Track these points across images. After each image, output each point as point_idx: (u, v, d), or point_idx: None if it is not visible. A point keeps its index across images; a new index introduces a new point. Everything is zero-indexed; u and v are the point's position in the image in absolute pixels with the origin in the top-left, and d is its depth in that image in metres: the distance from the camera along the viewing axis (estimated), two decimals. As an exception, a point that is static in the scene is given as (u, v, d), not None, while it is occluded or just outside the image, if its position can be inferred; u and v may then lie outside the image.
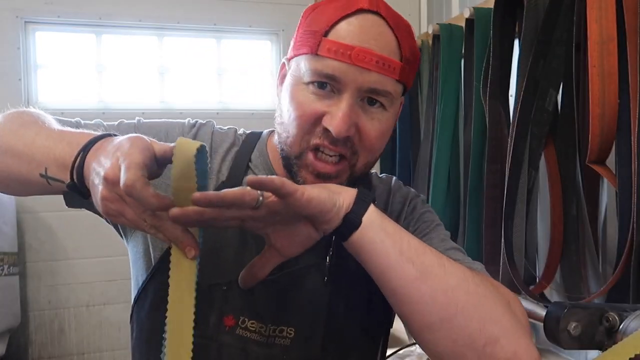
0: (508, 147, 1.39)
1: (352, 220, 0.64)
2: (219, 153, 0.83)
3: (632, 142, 1.09)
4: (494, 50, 1.50)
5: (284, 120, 0.76)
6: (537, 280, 1.44)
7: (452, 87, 1.89)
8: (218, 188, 0.79)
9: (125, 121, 0.85)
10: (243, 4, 2.44)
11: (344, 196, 0.64)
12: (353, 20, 0.70)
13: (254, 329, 0.75)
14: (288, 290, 0.77)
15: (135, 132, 0.80)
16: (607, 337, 0.64)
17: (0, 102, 2.40)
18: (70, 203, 0.69)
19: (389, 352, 1.07)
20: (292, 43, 0.78)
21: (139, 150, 0.57)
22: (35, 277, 2.26)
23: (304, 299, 0.77)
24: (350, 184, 0.74)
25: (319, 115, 0.71)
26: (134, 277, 0.84)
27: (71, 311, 2.30)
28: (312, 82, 0.71)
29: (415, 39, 0.81)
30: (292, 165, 0.75)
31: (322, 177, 0.73)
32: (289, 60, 0.78)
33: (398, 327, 1.06)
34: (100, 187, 0.57)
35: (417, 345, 1.31)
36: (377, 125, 0.72)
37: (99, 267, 2.30)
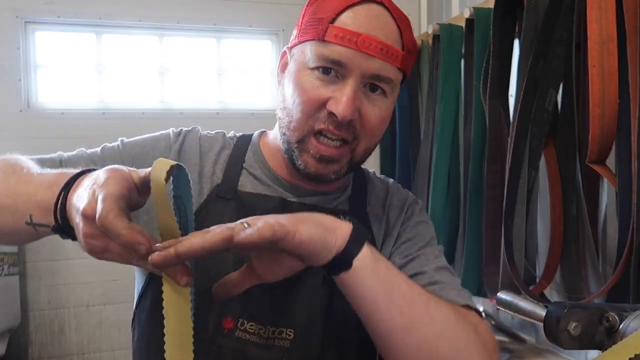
0: (508, 147, 1.39)
1: (343, 262, 0.62)
2: (210, 157, 0.84)
3: (632, 142, 1.09)
4: (494, 50, 1.50)
5: (287, 105, 0.76)
6: (537, 280, 1.44)
7: (452, 87, 1.89)
8: (213, 191, 0.80)
9: (108, 145, 0.85)
10: (243, 4, 2.44)
11: (338, 235, 0.62)
12: (359, 9, 0.72)
13: (253, 331, 0.75)
14: (287, 291, 0.77)
15: (120, 155, 0.82)
16: (607, 337, 0.64)
17: (0, 102, 2.39)
18: (64, 237, 0.67)
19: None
20: (294, 32, 0.79)
21: (115, 181, 0.55)
22: (35, 277, 2.26)
23: (303, 300, 0.77)
24: (349, 169, 0.76)
25: (324, 100, 0.72)
26: (137, 282, 0.85)
27: (71, 311, 2.30)
28: (318, 68, 0.73)
29: (415, 38, 0.82)
30: (292, 150, 0.76)
31: (324, 161, 0.74)
32: (290, 48, 0.79)
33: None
34: (80, 225, 0.55)
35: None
36: (378, 111, 0.74)
37: (99, 267, 2.29)
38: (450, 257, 1.96)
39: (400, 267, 0.79)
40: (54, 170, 0.68)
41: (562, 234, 1.37)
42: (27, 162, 0.74)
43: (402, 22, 0.74)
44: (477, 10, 1.70)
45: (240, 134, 0.89)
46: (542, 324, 0.70)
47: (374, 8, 0.73)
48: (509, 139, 1.39)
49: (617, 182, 1.16)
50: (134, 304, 0.84)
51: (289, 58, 0.80)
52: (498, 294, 1.12)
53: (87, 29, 2.32)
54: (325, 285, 0.78)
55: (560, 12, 1.29)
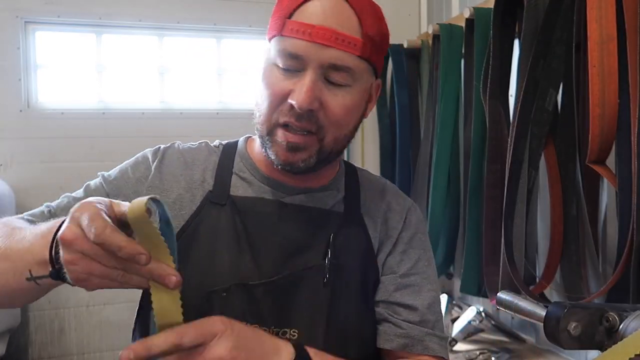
0: (508, 147, 1.39)
1: None
2: (197, 165, 0.85)
3: (632, 142, 1.09)
4: (493, 50, 1.50)
5: (258, 101, 0.79)
6: (537, 280, 1.44)
7: (452, 87, 1.89)
8: (206, 197, 0.81)
9: (91, 183, 0.85)
10: (243, 4, 2.44)
11: None
12: (315, 2, 0.74)
13: None
14: (289, 291, 0.78)
15: (105, 189, 0.82)
16: (607, 337, 0.64)
17: (0, 102, 2.39)
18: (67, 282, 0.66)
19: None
20: None
21: (92, 206, 0.56)
22: (35, 277, 2.26)
23: (306, 300, 0.78)
24: (320, 158, 0.77)
25: (286, 93, 0.74)
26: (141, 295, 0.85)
27: (71, 311, 2.29)
28: (280, 63, 0.75)
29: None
30: (265, 143, 0.78)
31: (291, 149, 0.75)
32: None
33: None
34: (61, 254, 0.55)
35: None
36: (340, 100, 0.75)
37: (99, 267, 2.29)
38: (450, 257, 1.96)
39: (395, 290, 0.84)
40: (45, 223, 0.68)
41: (562, 234, 1.37)
42: (18, 221, 0.74)
43: (362, 11, 0.74)
44: (477, 10, 1.70)
45: (226, 141, 0.91)
46: (542, 324, 0.70)
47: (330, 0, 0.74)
48: (509, 139, 1.39)
49: (617, 182, 1.16)
50: (136, 306, 0.85)
51: None
52: (498, 294, 1.11)
53: (87, 29, 2.31)
54: (326, 285, 0.78)
55: (560, 12, 1.29)
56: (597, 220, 1.36)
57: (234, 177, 0.84)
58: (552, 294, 1.49)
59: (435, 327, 0.85)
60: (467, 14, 1.73)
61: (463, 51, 1.84)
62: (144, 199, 0.54)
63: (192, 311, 0.75)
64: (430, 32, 2.00)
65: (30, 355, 2.25)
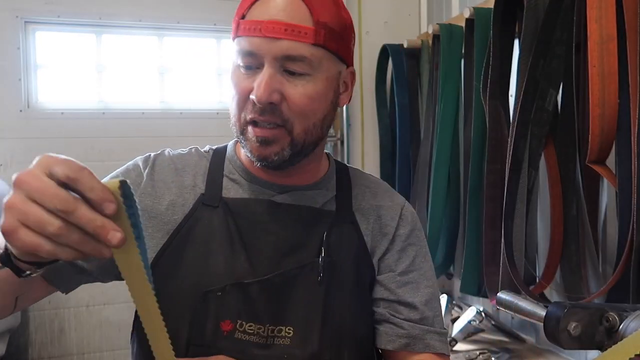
0: (508, 147, 1.39)
1: None
2: (188, 171, 0.85)
3: (632, 142, 1.09)
4: (494, 50, 1.50)
5: (230, 103, 0.80)
6: (537, 280, 1.44)
7: (452, 87, 1.89)
8: (199, 200, 0.82)
9: None
10: (243, 4, 2.44)
11: None
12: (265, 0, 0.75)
13: (252, 331, 0.76)
14: (284, 290, 0.78)
15: None
16: (607, 337, 0.64)
17: (0, 102, 2.39)
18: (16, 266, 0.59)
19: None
20: None
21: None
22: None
23: (301, 297, 0.79)
24: (294, 150, 0.77)
25: (249, 90, 0.75)
26: None
27: (71, 311, 2.29)
28: (241, 63, 0.76)
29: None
30: (241, 142, 0.79)
31: (262, 143, 0.76)
32: None
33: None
34: (6, 199, 0.49)
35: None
36: (301, 90, 0.75)
37: (99, 267, 2.29)
38: (450, 257, 1.96)
39: (396, 288, 0.85)
40: None
41: (562, 234, 1.37)
42: None
43: (312, 1, 0.75)
44: (477, 10, 1.70)
45: (215, 146, 0.92)
46: (542, 324, 0.70)
47: None
48: (509, 139, 1.39)
49: (617, 182, 1.16)
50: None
51: None
52: (498, 294, 1.12)
53: (87, 29, 2.31)
54: (321, 283, 0.79)
55: (560, 12, 1.29)
56: (597, 220, 1.36)
57: (224, 179, 0.85)
58: (552, 294, 1.49)
59: (434, 323, 0.86)
60: (467, 14, 1.73)
61: (463, 51, 1.84)
62: (117, 179, 0.51)
63: (188, 311, 0.76)
64: (430, 32, 2.00)
65: (30, 355, 2.25)
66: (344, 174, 0.91)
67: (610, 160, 1.19)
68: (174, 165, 0.85)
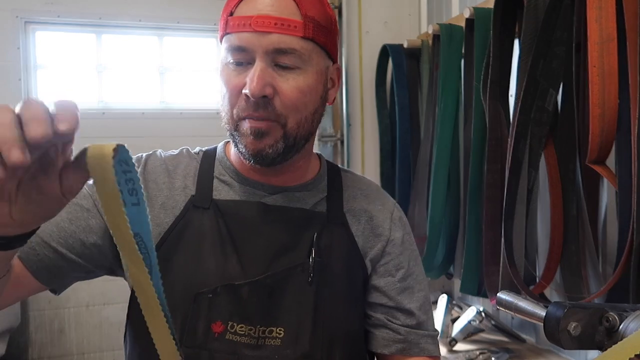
0: (508, 147, 1.39)
1: None
2: (178, 172, 0.85)
3: (632, 142, 1.09)
4: (494, 50, 1.50)
5: (221, 102, 0.80)
6: (537, 280, 1.44)
7: (452, 87, 1.89)
8: (189, 202, 0.82)
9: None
10: (243, 4, 2.44)
11: None
12: None
13: (243, 332, 0.77)
14: (274, 291, 0.79)
15: (89, 194, 0.80)
16: (607, 337, 0.64)
17: (0, 102, 2.39)
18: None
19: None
20: None
21: None
22: (35, 277, 2.26)
23: (291, 298, 0.79)
24: (287, 144, 0.77)
25: (241, 86, 0.75)
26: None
27: (71, 311, 2.30)
28: (231, 60, 0.76)
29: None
30: (235, 139, 0.79)
31: (257, 135, 0.76)
32: None
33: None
34: None
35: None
36: (293, 83, 0.76)
37: (99, 267, 2.29)
38: (450, 257, 1.96)
39: (395, 294, 0.86)
40: None
41: (562, 234, 1.37)
42: None
43: None
44: (477, 10, 1.70)
45: (205, 148, 0.91)
46: (542, 324, 0.70)
47: None
48: (509, 139, 1.39)
49: (617, 182, 1.16)
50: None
51: None
52: (498, 294, 1.11)
53: (87, 29, 2.32)
54: (311, 283, 0.80)
55: (560, 12, 1.29)
56: (597, 221, 1.36)
57: (215, 181, 0.85)
58: (552, 294, 1.49)
59: (428, 326, 0.88)
60: (467, 14, 1.73)
61: (463, 51, 1.84)
62: (110, 145, 0.47)
63: (180, 313, 0.76)
64: (430, 32, 2.00)
65: (30, 355, 2.25)
66: (335, 176, 0.91)
67: (610, 160, 1.19)
68: (165, 167, 0.85)
